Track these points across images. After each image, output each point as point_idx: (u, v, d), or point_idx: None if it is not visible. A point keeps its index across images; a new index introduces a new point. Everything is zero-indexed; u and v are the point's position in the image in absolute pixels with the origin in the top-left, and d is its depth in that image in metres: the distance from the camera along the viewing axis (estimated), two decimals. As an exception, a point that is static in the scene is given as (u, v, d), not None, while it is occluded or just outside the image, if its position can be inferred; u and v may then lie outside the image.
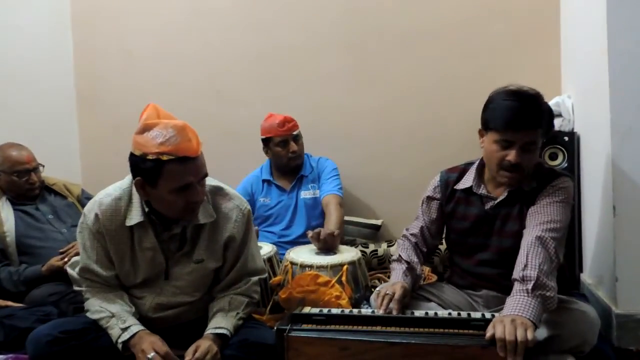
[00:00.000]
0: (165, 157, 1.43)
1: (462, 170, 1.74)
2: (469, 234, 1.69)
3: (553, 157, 2.36)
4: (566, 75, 2.62)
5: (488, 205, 1.66)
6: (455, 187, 1.72)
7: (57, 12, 3.03)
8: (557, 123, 2.40)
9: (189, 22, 3.04)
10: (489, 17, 2.73)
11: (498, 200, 1.64)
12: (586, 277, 2.22)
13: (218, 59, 3.02)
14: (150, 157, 1.44)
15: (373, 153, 2.90)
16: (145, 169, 1.46)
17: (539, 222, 1.51)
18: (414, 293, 1.69)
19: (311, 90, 2.93)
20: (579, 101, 2.35)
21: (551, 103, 2.45)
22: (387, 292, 1.52)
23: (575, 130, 2.37)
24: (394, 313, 1.46)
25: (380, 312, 1.47)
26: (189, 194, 1.50)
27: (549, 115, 1.60)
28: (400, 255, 1.72)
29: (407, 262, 1.69)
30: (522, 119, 1.51)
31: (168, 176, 1.46)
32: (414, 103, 2.81)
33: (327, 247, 2.14)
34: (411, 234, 1.77)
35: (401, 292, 1.51)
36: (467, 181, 1.71)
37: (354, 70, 2.89)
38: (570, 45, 2.54)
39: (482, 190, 1.67)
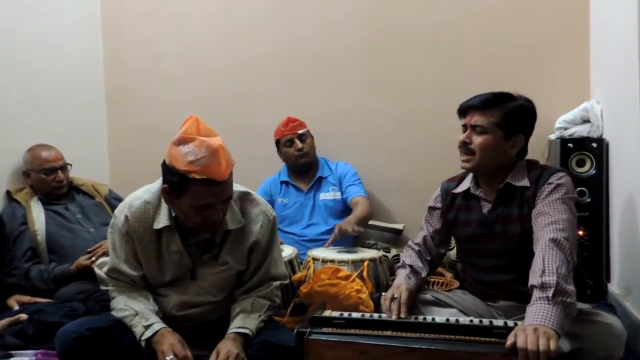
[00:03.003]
0: (191, 176, 1.46)
1: (461, 178, 1.78)
2: (473, 240, 1.69)
3: (581, 163, 2.31)
4: (595, 80, 2.57)
5: (486, 209, 1.67)
6: (454, 191, 1.75)
7: (88, 19, 3.11)
8: (585, 129, 2.35)
9: (214, 27, 3.08)
10: (516, 21, 2.70)
11: (493, 201, 1.65)
12: (614, 287, 2.17)
13: (243, 64, 3.05)
14: (178, 171, 1.47)
15: (395, 157, 2.89)
16: (173, 181, 1.50)
17: (547, 223, 1.48)
18: (430, 297, 1.69)
19: (334, 94, 2.94)
20: (608, 107, 2.30)
21: (579, 108, 2.41)
22: (395, 295, 1.54)
23: (604, 137, 2.32)
24: (402, 316, 1.48)
25: (393, 316, 1.49)
26: (208, 213, 1.53)
27: (514, 109, 1.61)
28: (403, 261, 1.76)
29: (410, 266, 1.71)
30: (469, 102, 1.65)
31: (191, 194, 1.49)
32: (436, 107, 2.79)
33: (347, 232, 2.22)
34: (415, 244, 1.80)
35: (406, 295, 1.54)
36: (465, 185, 1.73)
37: (377, 74, 2.89)
38: (599, 51, 2.48)
39: (479, 192, 1.69)
